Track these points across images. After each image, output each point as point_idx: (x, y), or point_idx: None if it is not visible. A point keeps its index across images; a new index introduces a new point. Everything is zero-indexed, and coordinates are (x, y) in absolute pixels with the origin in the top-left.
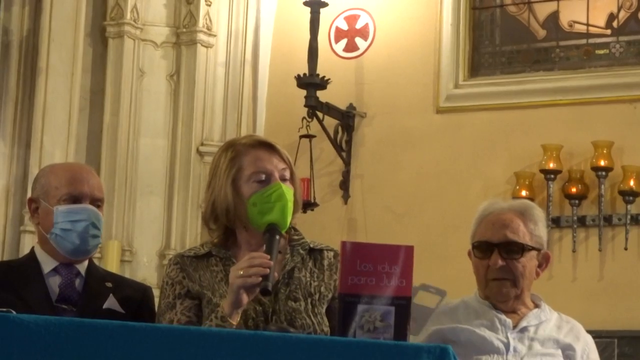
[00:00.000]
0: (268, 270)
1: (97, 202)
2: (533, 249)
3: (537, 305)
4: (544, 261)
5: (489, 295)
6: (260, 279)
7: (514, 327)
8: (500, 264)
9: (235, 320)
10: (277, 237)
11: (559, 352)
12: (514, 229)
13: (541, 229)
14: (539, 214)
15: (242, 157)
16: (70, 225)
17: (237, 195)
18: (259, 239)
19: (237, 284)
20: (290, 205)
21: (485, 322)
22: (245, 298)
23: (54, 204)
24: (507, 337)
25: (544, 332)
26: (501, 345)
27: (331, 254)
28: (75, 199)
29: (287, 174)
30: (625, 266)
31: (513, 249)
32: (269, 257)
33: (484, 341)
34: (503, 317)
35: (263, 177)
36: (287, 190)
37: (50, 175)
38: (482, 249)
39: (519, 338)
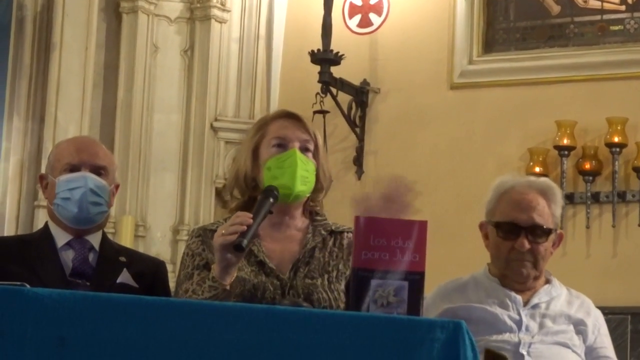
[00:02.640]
0: (245, 228)
1: (98, 169)
2: (554, 231)
3: (547, 281)
4: (557, 240)
5: (509, 274)
6: (237, 235)
7: (525, 304)
8: (527, 247)
9: (228, 281)
10: (271, 199)
11: (571, 327)
12: (540, 212)
13: (559, 210)
14: (559, 194)
15: (268, 126)
16: (68, 194)
17: (256, 160)
18: (276, 207)
19: (217, 242)
20: (303, 174)
21: (496, 300)
22: (230, 257)
23: (56, 176)
24: (519, 314)
25: (555, 308)
26: (513, 324)
27: (351, 234)
28: (74, 167)
29: (310, 146)
30: (638, 243)
31: (539, 233)
32: (251, 216)
33: (497, 319)
34: (513, 294)
35: (282, 142)
36: (303, 159)
37: (55, 149)
38: (508, 229)
39: (531, 315)
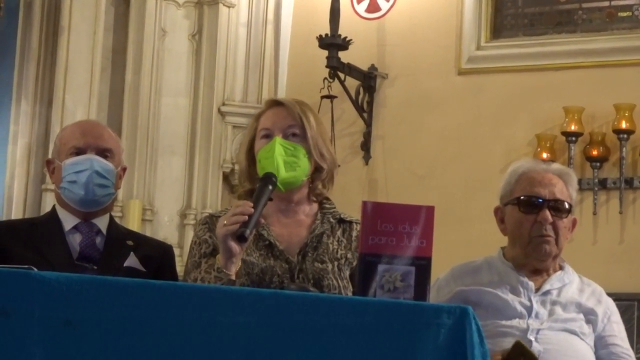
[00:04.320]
0: (246, 217)
1: (104, 152)
2: (572, 210)
3: (560, 267)
4: (571, 225)
5: (530, 252)
6: (239, 225)
7: (537, 290)
8: (550, 220)
9: (232, 270)
10: (270, 186)
11: (581, 316)
12: (560, 189)
13: (575, 194)
14: (575, 179)
15: (260, 119)
16: (75, 177)
17: (251, 154)
18: (277, 195)
19: (220, 233)
20: (287, 160)
21: (508, 286)
22: (234, 246)
23: (63, 160)
24: (530, 300)
25: (566, 295)
26: (523, 310)
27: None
28: (80, 150)
29: (296, 130)
30: None
31: (561, 208)
32: (251, 205)
33: (507, 305)
34: (525, 280)
35: (267, 133)
36: (286, 145)
37: (61, 134)
38: (530, 203)
39: (542, 301)
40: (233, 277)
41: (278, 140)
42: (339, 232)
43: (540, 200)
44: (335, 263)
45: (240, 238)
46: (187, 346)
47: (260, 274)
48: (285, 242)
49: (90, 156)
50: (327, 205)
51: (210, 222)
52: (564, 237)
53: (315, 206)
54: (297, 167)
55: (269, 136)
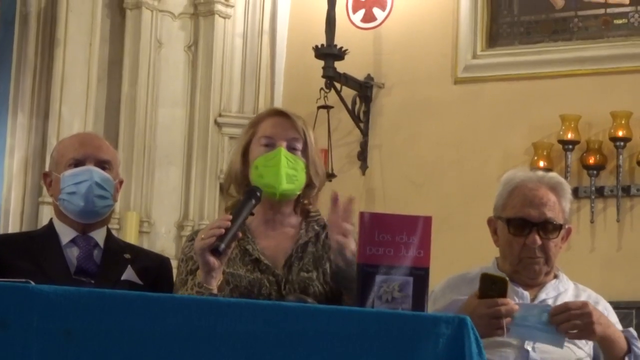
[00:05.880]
0: (223, 231)
1: (103, 163)
2: (564, 226)
3: (555, 276)
4: (566, 235)
5: (520, 271)
6: (214, 239)
7: (533, 299)
8: (539, 243)
9: (213, 284)
10: (253, 201)
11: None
12: (552, 207)
13: (569, 205)
14: (569, 189)
15: (259, 124)
16: (74, 188)
17: (246, 158)
18: (266, 205)
19: (197, 247)
20: (290, 172)
21: None
22: (211, 260)
23: (61, 172)
24: None
25: None
26: None
27: None
28: (79, 162)
29: (299, 145)
30: None
31: (550, 229)
32: (229, 219)
33: None
34: (521, 290)
35: (270, 141)
36: (290, 158)
37: (59, 146)
38: (519, 226)
39: None
40: (214, 291)
41: (283, 151)
42: (323, 237)
43: (529, 222)
44: (320, 270)
45: (215, 252)
46: (185, 357)
47: (248, 286)
48: (271, 256)
49: (89, 167)
50: (312, 214)
51: (195, 238)
52: (554, 255)
53: (300, 217)
54: (295, 181)
55: (270, 145)
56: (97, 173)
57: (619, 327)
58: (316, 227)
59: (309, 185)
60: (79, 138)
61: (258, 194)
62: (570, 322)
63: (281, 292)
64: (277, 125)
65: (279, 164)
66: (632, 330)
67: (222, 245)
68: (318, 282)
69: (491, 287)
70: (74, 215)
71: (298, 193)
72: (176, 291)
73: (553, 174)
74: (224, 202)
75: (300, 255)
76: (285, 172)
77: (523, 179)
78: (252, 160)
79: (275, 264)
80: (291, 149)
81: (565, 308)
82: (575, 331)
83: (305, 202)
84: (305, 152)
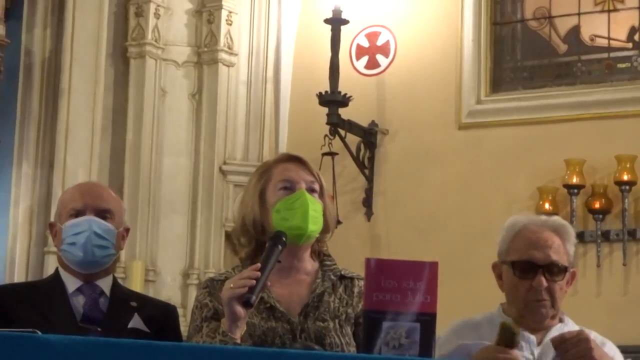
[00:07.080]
0: (254, 282)
1: (103, 212)
2: (569, 269)
3: (560, 320)
4: (570, 278)
5: (527, 315)
6: (246, 289)
7: (539, 343)
8: (545, 285)
9: (238, 334)
10: (279, 247)
11: None
12: (556, 250)
13: (573, 248)
14: (573, 232)
15: (272, 170)
16: (74, 239)
17: (264, 204)
18: (285, 251)
19: (226, 296)
20: (313, 214)
21: None
22: (239, 310)
23: (63, 222)
24: (532, 354)
25: None
26: None
27: (362, 282)
28: (79, 212)
29: (316, 187)
30: None
31: (556, 271)
32: (259, 269)
33: None
34: (527, 334)
35: (289, 185)
36: (312, 199)
37: (62, 196)
38: (525, 269)
39: (544, 354)
40: (238, 341)
41: (306, 193)
42: (340, 289)
43: (534, 265)
44: (337, 321)
45: (246, 304)
46: None
47: (262, 335)
48: (285, 303)
49: (88, 217)
50: (328, 262)
51: (210, 285)
52: (560, 298)
53: (316, 264)
54: (317, 222)
55: (289, 188)
56: (96, 223)
57: None
58: (332, 277)
59: (324, 228)
60: (79, 188)
61: (284, 238)
62: (570, 351)
63: (296, 341)
64: (293, 170)
65: (305, 204)
66: None
67: (254, 297)
68: (334, 332)
69: (512, 337)
70: (75, 266)
71: (317, 235)
72: (190, 338)
73: (556, 218)
74: (229, 251)
75: (317, 305)
76: (311, 214)
77: (526, 222)
78: (271, 206)
79: (290, 312)
80: (310, 191)
81: (562, 339)
82: None
83: (320, 245)
84: (321, 195)
